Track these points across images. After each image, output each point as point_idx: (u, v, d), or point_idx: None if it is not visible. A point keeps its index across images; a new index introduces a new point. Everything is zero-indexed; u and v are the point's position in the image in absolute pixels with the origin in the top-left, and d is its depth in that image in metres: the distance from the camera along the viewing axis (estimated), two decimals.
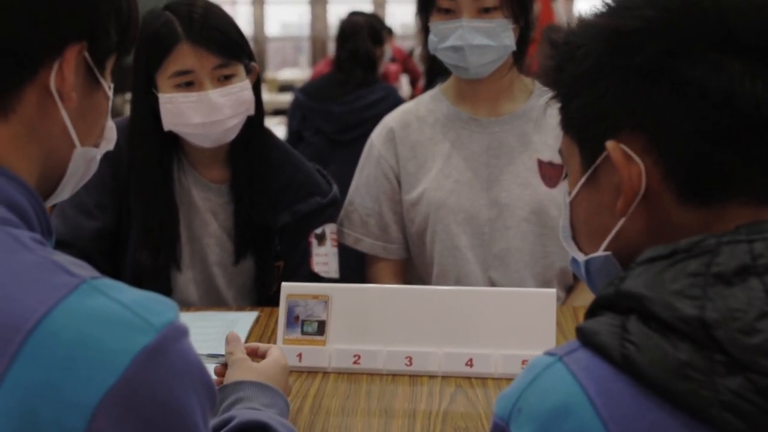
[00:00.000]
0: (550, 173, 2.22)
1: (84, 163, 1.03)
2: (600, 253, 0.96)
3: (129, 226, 2.14)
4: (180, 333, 0.88)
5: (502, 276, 2.20)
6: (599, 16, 0.96)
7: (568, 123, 0.98)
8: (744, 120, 0.86)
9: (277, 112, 6.43)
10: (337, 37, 4.21)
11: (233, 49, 2.05)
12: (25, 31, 0.93)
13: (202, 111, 2.04)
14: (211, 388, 0.93)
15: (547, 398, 0.84)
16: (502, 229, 2.20)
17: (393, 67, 6.08)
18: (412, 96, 4.46)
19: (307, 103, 4.00)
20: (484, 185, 2.22)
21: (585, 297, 2.23)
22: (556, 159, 2.22)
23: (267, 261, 2.19)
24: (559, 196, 2.21)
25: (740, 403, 0.77)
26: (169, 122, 2.05)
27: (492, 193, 2.21)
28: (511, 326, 1.68)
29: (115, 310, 0.84)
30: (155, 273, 2.12)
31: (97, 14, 0.98)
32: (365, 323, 1.70)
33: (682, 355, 0.79)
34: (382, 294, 1.74)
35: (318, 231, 2.19)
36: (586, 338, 0.86)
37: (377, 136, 2.32)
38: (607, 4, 0.96)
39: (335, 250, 2.22)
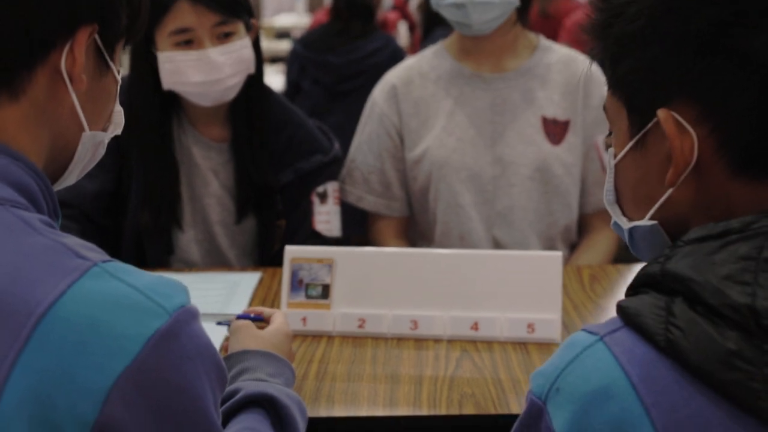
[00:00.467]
0: (554, 130, 2.20)
1: (92, 146, 1.03)
2: (646, 222, 0.93)
3: (129, 186, 2.12)
4: (191, 316, 0.88)
5: (506, 234, 2.19)
6: None
7: (615, 84, 0.93)
8: None
9: (274, 60, 6.37)
10: None
11: (233, 6, 2.02)
12: (39, 13, 0.92)
13: (202, 69, 2.01)
14: (221, 371, 0.93)
15: (587, 380, 0.82)
16: (506, 186, 2.18)
17: (391, 15, 6.01)
18: (412, 44, 4.40)
19: (305, 54, 3.96)
20: (488, 143, 2.19)
21: (589, 256, 2.22)
22: (561, 116, 2.20)
23: (269, 220, 2.18)
24: (564, 154, 2.19)
25: None
26: (168, 81, 2.03)
27: (496, 150, 2.19)
28: (517, 289, 1.67)
29: (127, 294, 0.84)
30: (157, 233, 2.11)
31: None
32: (370, 287, 1.69)
33: (731, 344, 0.77)
34: (387, 257, 1.73)
35: (320, 189, 2.18)
36: (628, 318, 0.84)
37: (379, 93, 2.29)
38: None
39: (338, 208, 2.20)
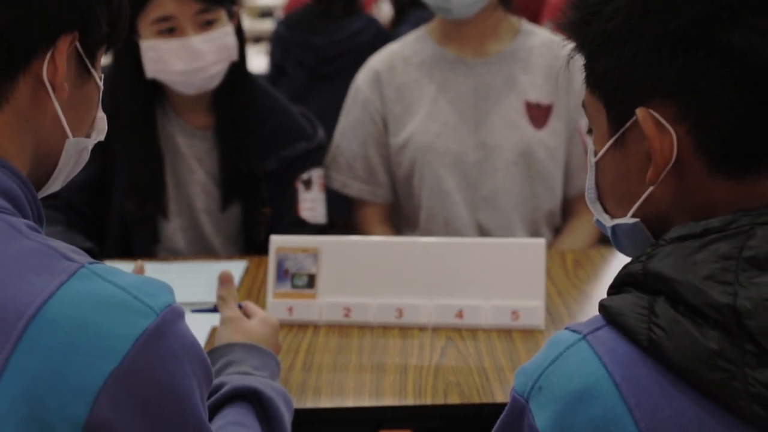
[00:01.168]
0: (537, 114, 2.21)
1: (76, 153, 1.03)
2: (628, 219, 0.94)
3: (114, 176, 2.12)
4: (177, 315, 0.89)
5: (490, 218, 2.20)
6: None
7: (594, 82, 0.93)
8: None
9: (258, 39, 6.33)
10: None
11: None
12: (19, 22, 0.92)
13: (185, 58, 2.01)
14: (207, 369, 0.94)
15: (570, 380, 0.83)
16: (490, 171, 2.19)
17: None
18: (393, 21, 4.37)
19: (288, 35, 3.94)
20: (471, 127, 2.20)
21: (573, 239, 2.24)
22: (544, 100, 2.20)
23: (254, 207, 2.18)
24: (547, 138, 2.20)
25: None
26: (151, 69, 2.02)
27: (479, 135, 2.20)
28: (501, 277, 1.68)
29: (114, 294, 0.85)
30: (142, 222, 2.11)
31: (88, 4, 0.97)
32: (355, 276, 1.70)
33: (713, 344, 0.77)
34: (372, 246, 1.74)
35: (305, 176, 2.18)
36: (610, 317, 0.84)
37: (363, 79, 2.29)
38: None
39: (322, 195, 2.21)
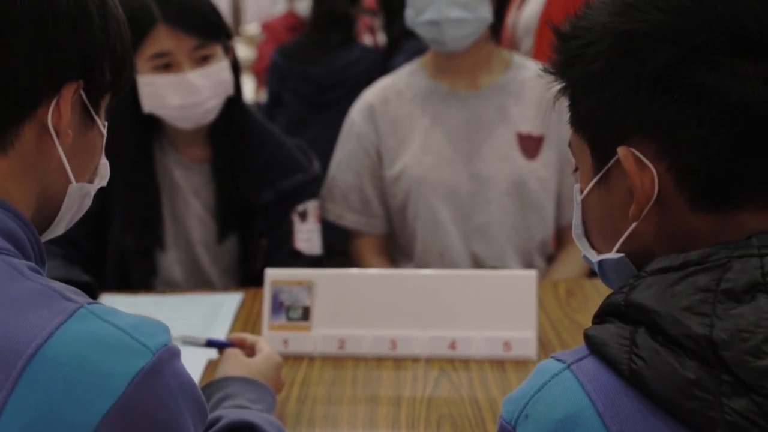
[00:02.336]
0: (529, 145, 2.24)
1: (79, 198, 1.06)
2: (614, 255, 0.96)
3: (112, 209, 2.15)
4: (173, 354, 0.91)
5: (484, 249, 2.22)
6: (607, 14, 0.93)
7: (577, 122, 0.97)
8: (759, 125, 0.85)
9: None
10: None
11: (211, 30, 2.05)
12: (25, 70, 0.95)
13: (181, 93, 2.04)
14: (202, 407, 0.96)
15: (555, 408, 0.85)
16: (483, 202, 2.22)
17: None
18: (386, 52, 4.41)
19: (284, 65, 3.98)
20: (464, 159, 2.23)
21: (566, 268, 2.26)
22: (535, 131, 2.24)
23: (250, 239, 2.21)
24: (539, 169, 2.23)
25: (745, 425, 0.78)
26: (148, 104, 2.05)
27: (472, 167, 2.23)
28: (493, 308, 1.70)
29: (112, 334, 0.87)
30: (140, 255, 2.14)
31: (93, 53, 1.00)
32: (349, 308, 1.73)
33: (690, 374, 0.80)
34: (365, 279, 1.76)
35: (300, 208, 2.21)
36: (594, 347, 0.86)
37: (357, 112, 2.33)
38: (613, 1, 0.93)
39: (318, 227, 2.23)
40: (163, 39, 2.00)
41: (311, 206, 2.23)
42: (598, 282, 2.07)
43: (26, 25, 0.94)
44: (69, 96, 0.98)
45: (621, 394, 0.83)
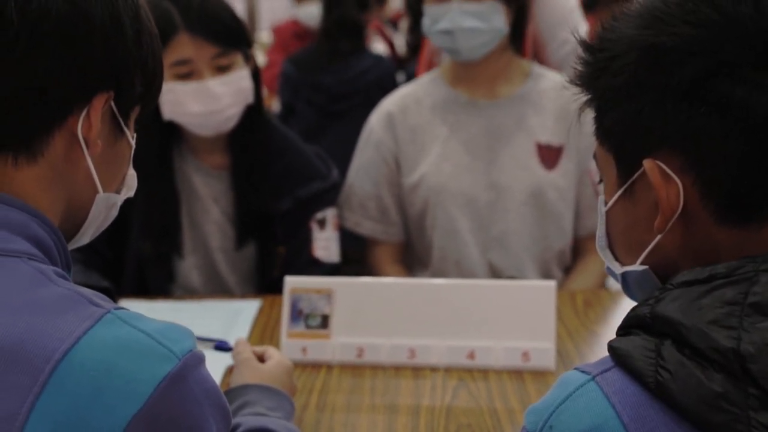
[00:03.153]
0: (548, 155, 2.24)
1: (105, 208, 1.07)
2: (638, 266, 0.96)
3: (131, 213, 2.16)
4: (198, 360, 0.92)
5: (502, 258, 2.22)
6: (634, 27, 0.93)
7: (603, 134, 0.97)
8: None
9: None
10: (323, 4, 4.17)
11: (232, 38, 2.06)
12: (58, 79, 0.95)
13: (202, 100, 2.05)
14: (226, 413, 0.97)
15: (580, 420, 0.85)
16: (501, 211, 2.22)
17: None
18: (407, 57, 4.40)
19: (296, 75, 3.98)
20: (483, 168, 2.24)
21: (583, 279, 2.26)
22: (555, 141, 2.24)
23: (268, 246, 2.21)
24: (558, 179, 2.23)
25: None
26: (169, 111, 2.06)
27: (491, 176, 2.23)
28: (512, 318, 1.70)
29: (138, 339, 0.88)
30: (158, 261, 2.14)
31: (124, 65, 1.01)
32: (368, 317, 1.73)
33: (717, 387, 0.80)
34: (384, 287, 1.76)
35: (319, 216, 2.21)
36: (619, 359, 0.86)
37: (376, 120, 2.33)
38: (639, 15, 0.93)
39: (336, 234, 2.24)
40: (184, 47, 2.01)
41: (330, 214, 2.23)
42: (615, 293, 2.07)
43: (60, 35, 0.95)
44: (99, 106, 0.99)
45: (646, 407, 0.83)
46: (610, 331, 1.82)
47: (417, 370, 1.69)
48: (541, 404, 0.91)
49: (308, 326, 1.74)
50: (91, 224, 1.06)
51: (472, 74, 2.27)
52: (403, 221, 2.33)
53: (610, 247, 1.03)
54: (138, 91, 1.04)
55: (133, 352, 0.87)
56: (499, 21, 2.15)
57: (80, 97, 0.98)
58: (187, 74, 2.03)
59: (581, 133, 2.23)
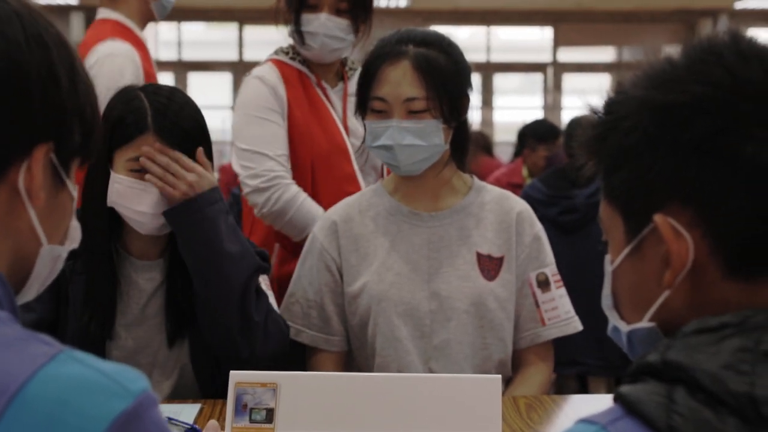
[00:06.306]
0: (489, 266, 2.28)
1: (51, 260, 1.06)
2: (644, 324, 0.97)
3: (66, 316, 2.14)
4: (152, 401, 0.90)
5: (442, 367, 2.23)
6: (642, 89, 0.96)
7: (611, 193, 0.99)
8: None
9: None
10: None
11: (193, 149, 2.08)
12: None
13: (146, 202, 2.06)
14: None
15: None
16: (443, 321, 2.24)
17: None
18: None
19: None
20: (425, 278, 2.26)
21: (524, 389, 2.26)
22: (495, 252, 2.28)
23: (202, 340, 2.18)
24: (498, 289, 2.26)
25: None
26: (112, 200, 2.07)
27: (432, 285, 2.26)
28: (457, 413, 1.69)
29: (92, 377, 0.87)
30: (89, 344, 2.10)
31: (62, 116, 1.01)
32: (314, 410, 1.71)
33: (730, 430, 0.80)
34: (330, 381, 1.75)
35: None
36: (629, 405, 0.86)
37: (320, 229, 2.36)
38: (647, 78, 0.97)
39: (270, 293, 2.22)
40: (146, 146, 2.03)
41: (263, 282, 2.21)
42: (558, 398, 2.08)
43: None
44: (40, 157, 0.98)
45: None
46: None
47: None
48: None
49: (252, 420, 1.71)
50: (37, 278, 1.05)
51: (413, 187, 2.33)
52: (345, 330, 2.33)
53: (616, 306, 1.04)
54: (77, 140, 1.04)
55: (87, 389, 0.85)
56: (438, 138, 2.23)
57: (20, 149, 0.97)
58: (140, 171, 2.04)
59: (520, 245, 2.28)
